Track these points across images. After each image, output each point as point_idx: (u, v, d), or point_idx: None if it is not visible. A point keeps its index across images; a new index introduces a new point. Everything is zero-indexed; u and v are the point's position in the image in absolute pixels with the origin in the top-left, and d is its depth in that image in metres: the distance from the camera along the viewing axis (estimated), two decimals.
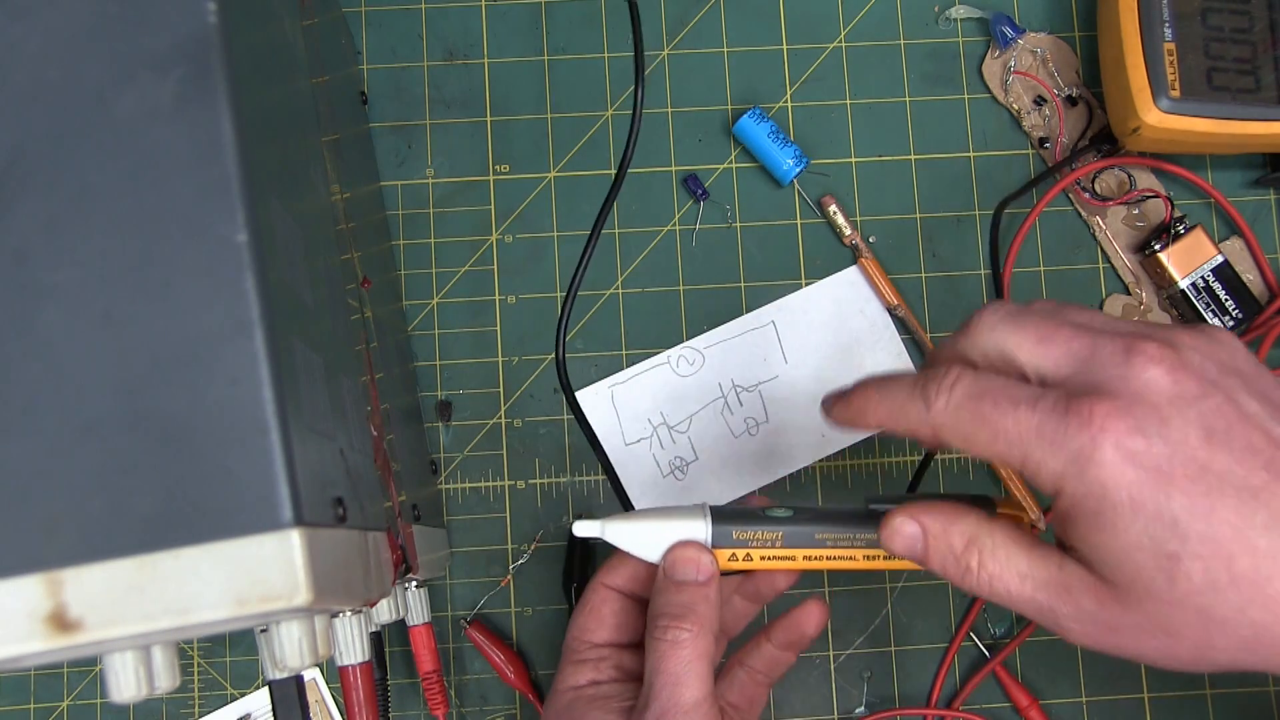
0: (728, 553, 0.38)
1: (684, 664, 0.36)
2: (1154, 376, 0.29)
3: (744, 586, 0.41)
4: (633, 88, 0.53)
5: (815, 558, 0.38)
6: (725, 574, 0.38)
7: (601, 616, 0.40)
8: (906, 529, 0.33)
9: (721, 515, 0.38)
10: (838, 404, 0.35)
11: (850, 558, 0.38)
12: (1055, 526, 0.31)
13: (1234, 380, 0.29)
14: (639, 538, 0.38)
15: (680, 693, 0.35)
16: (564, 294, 0.52)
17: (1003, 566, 0.31)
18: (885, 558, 0.37)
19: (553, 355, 0.51)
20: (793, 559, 0.38)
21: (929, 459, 0.51)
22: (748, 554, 0.38)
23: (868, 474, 0.51)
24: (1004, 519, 0.33)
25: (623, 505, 0.44)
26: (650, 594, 0.40)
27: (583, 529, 0.38)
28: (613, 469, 0.45)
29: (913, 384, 0.32)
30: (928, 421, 0.31)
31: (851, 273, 0.52)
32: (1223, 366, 0.30)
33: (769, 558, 0.38)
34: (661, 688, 0.35)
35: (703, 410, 0.51)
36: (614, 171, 0.52)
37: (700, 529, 0.38)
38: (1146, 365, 0.29)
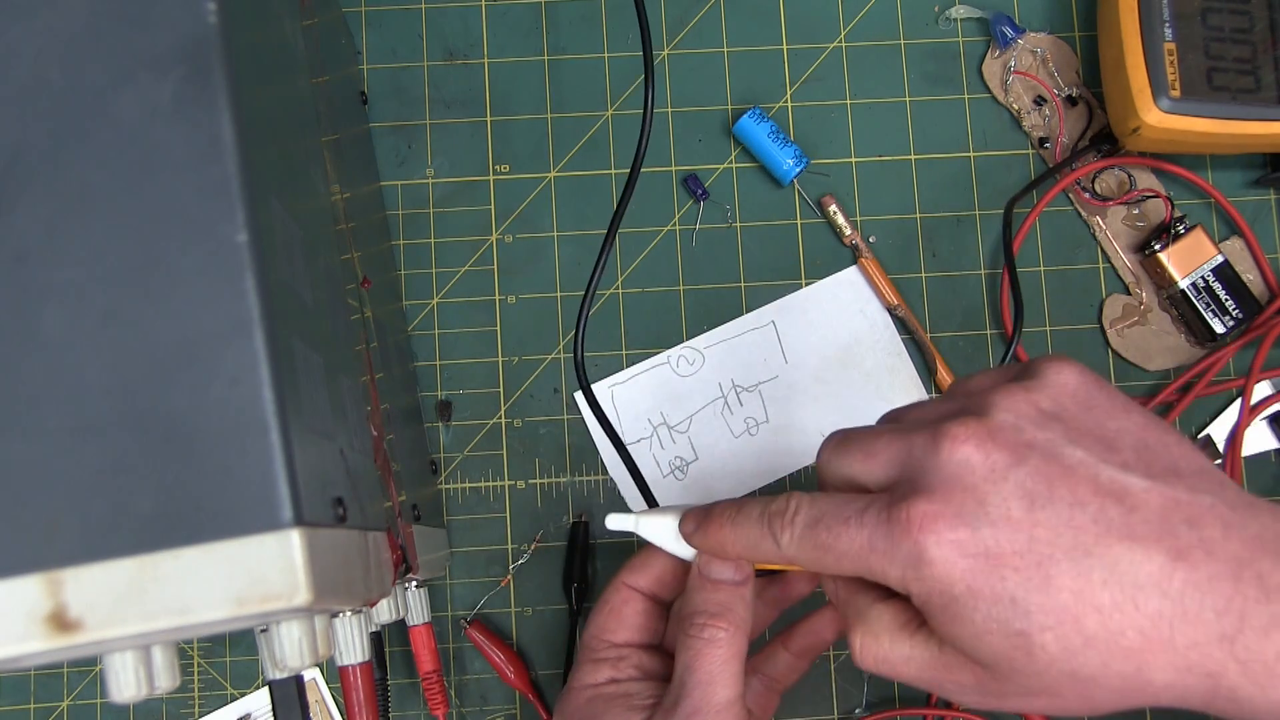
0: None
1: (719, 663, 0.35)
2: (964, 458, 0.29)
3: (766, 591, 0.41)
4: (636, 84, 0.53)
5: None
6: (759, 574, 0.37)
7: (623, 616, 0.40)
8: (828, 587, 0.35)
9: None
10: (697, 532, 0.36)
11: None
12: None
13: (1055, 429, 0.29)
14: (674, 533, 0.37)
15: (714, 692, 0.35)
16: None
17: (887, 650, 0.32)
18: None
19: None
20: None
21: None
22: None
23: None
24: (895, 601, 0.32)
25: (645, 498, 0.44)
26: (673, 596, 0.40)
27: (616, 522, 0.38)
28: (634, 462, 0.44)
29: (760, 517, 0.33)
30: (782, 558, 0.33)
31: (851, 273, 0.52)
32: (1042, 417, 0.30)
33: None
34: (694, 686, 0.35)
35: (703, 410, 0.51)
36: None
37: None
38: (954, 449, 0.29)
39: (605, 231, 0.46)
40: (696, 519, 0.36)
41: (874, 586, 0.33)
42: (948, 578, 0.28)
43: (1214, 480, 0.29)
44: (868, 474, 0.32)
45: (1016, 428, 0.29)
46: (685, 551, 0.37)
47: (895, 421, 0.33)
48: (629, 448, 0.51)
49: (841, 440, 0.33)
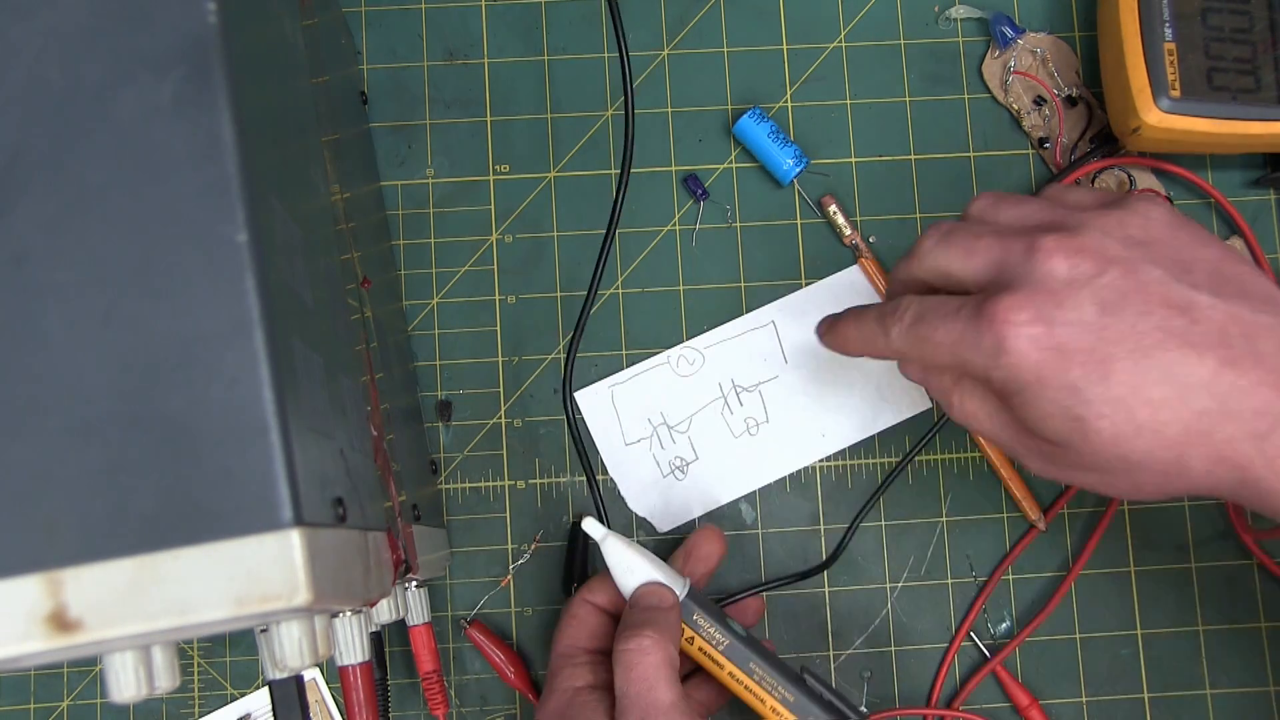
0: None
1: (653, 668, 0.38)
2: (1051, 267, 0.32)
3: (694, 695, 0.44)
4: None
5: (736, 679, 0.42)
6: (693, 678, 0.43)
7: (589, 626, 0.43)
8: (915, 375, 0.38)
9: (696, 596, 0.42)
10: (828, 332, 0.41)
11: (761, 700, 0.41)
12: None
13: (1138, 251, 0.33)
14: (626, 563, 0.42)
15: (656, 695, 0.38)
16: (564, 294, 0.52)
17: (979, 405, 0.36)
18: None
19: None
20: (720, 667, 0.42)
21: (848, 537, 0.51)
22: (691, 637, 0.42)
23: (867, 474, 0.51)
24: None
25: (595, 508, 0.46)
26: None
27: (590, 527, 0.42)
28: (595, 481, 0.47)
29: (876, 316, 0.37)
30: (890, 349, 0.37)
31: (851, 273, 0.52)
32: (1129, 240, 0.33)
33: (704, 653, 0.42)
34: (637, 695, 0.38)
35: (703, 410, 0.51)
36: (614, 171, 0.52)
37: (677, 586, 0.42)
38: (1045, 258, 0.32)
39: (605, 231, 0.46)
40: (829, 322, 0.41)
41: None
42: (1022, 366, 0.32)
43: (1279, 307, 0.32)
44: (966, 271, 0.35)
45: (1103, 245, 0.33)
46: (628, 587, 0.42)
47: (994, 219, 0.36)
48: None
49: (947, 233, 0.36)
